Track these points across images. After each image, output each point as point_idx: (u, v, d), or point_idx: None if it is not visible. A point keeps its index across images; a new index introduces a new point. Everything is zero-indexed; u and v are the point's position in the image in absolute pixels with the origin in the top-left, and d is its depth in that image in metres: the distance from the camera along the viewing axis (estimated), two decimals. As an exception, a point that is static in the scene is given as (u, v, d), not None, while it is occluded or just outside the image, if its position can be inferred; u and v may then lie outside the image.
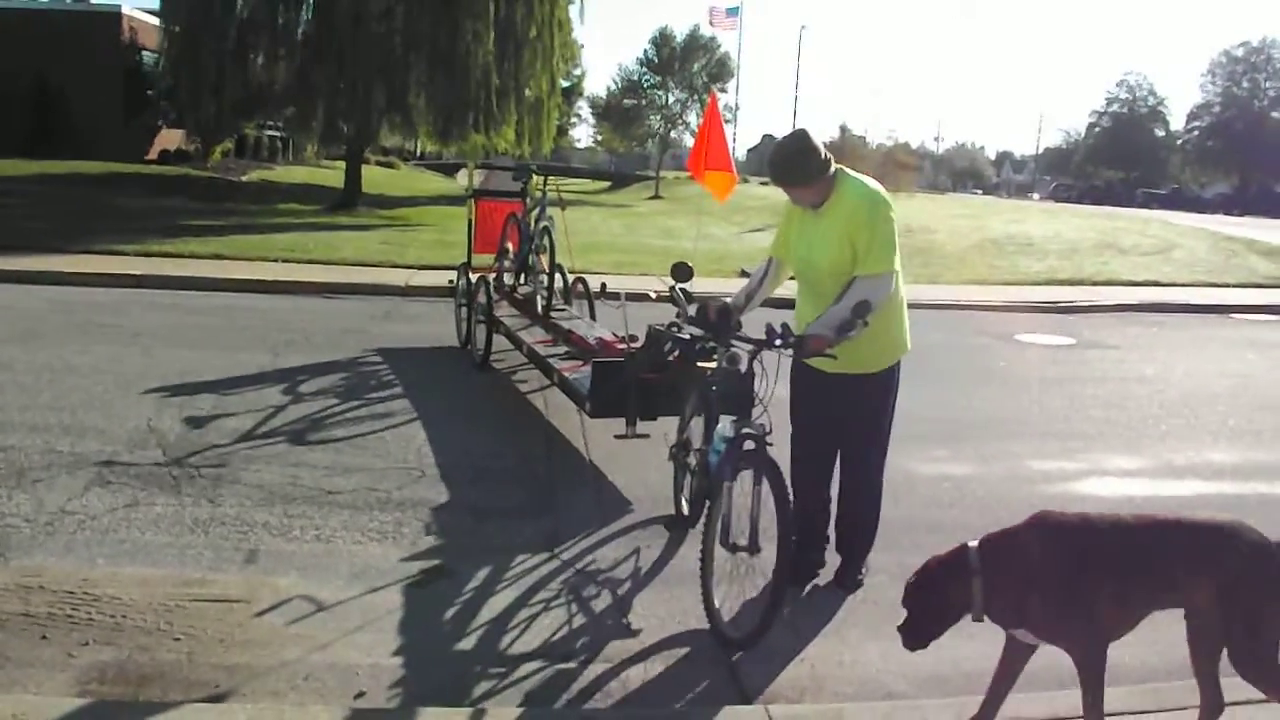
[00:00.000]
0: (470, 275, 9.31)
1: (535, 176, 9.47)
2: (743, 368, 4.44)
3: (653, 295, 6.54)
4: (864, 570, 4.89)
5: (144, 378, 7.71)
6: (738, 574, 4.25)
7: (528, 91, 26.80)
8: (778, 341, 4.25)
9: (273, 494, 5.42)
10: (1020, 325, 13.36)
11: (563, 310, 8.51)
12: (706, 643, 4.15)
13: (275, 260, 14.94)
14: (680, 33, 58.92)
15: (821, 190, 4.46)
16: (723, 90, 59.27)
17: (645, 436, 5.75)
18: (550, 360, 7.10)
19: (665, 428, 5.64)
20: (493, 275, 9.27)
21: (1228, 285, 18.47)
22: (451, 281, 10.11)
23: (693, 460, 5.07)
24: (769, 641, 4.02)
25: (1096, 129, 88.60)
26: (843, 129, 58.96)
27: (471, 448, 6.56)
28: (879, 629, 4.25)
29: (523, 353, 7.97)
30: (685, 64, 57.46)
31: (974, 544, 3.33)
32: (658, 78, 58.64)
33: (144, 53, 32.34)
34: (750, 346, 4.38)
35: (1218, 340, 13.18)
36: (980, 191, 79.61)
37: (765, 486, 4.09)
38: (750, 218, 30.70)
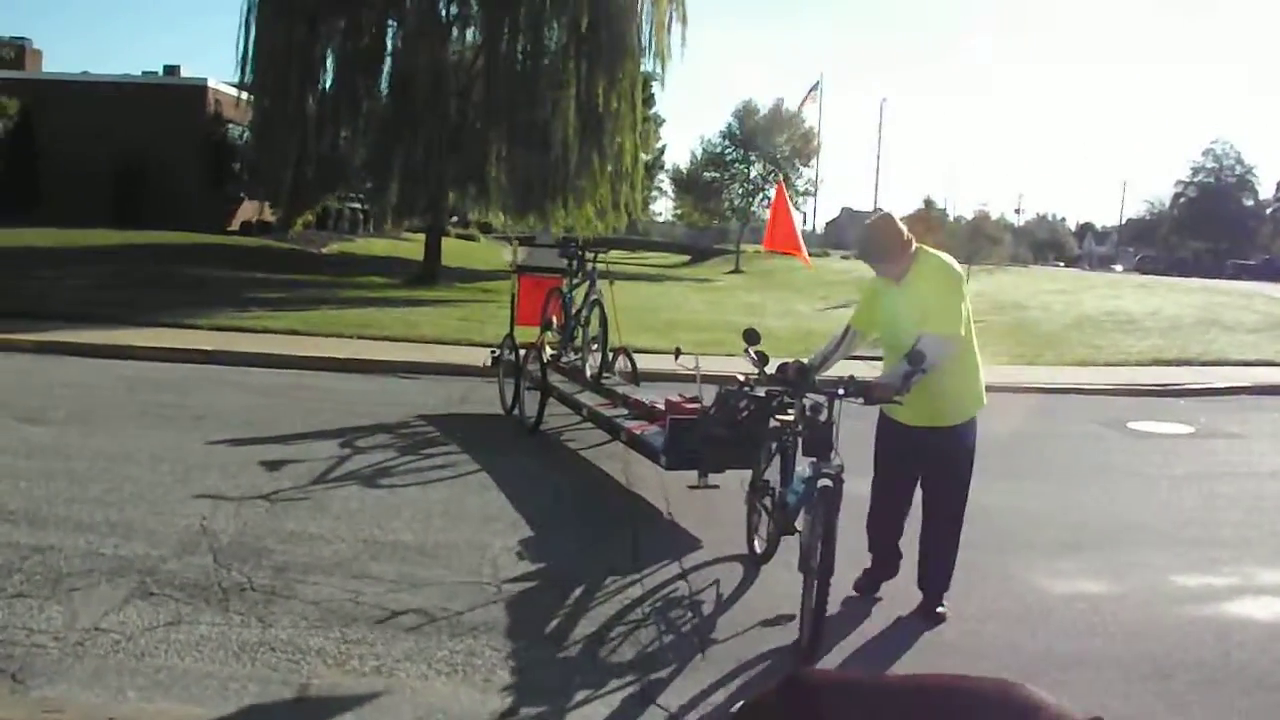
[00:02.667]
0: (516, 345, 9.85)
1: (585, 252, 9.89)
2: (823, 417, 5.01)
3: (740, 378, 6.25)
4: (944, 605, 5.39)
5: (203, 468, 7.25)
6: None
7: (609, 165, 26.62)
8: (842, 390, 5.01)
9: (330, 613, 4.83)
10: (1130, 411, 12.48)
11: (610, 378, 9.18)
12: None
13: (350, 336, 14.61)
14: (763, 105, 58.76)
15: (903, 264, 5.21)
16: (806, 166, 58.94)
17: (715, 487, 6.51)
18: (616, 420, 7.79)
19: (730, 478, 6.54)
20: (538, 346, 9.54)
21: (1347, 365, 17.32)
22: (494, 351, 10.51)
23: (769, 502, 5.80)
24: None
25: (1182, 199, 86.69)
26: (927, 202, 58.13)
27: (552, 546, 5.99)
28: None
29: (582, 415, 8.64)
30: (769, 137, 57.12)
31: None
32: (740, 151, 58.38)
33: (229, 125, 32.89)
34: (824, 397, 5.05)
35: (1351, 428, 12.18)
36: (1062, 264, 77.83)
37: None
38: (832, 293, 30.16)
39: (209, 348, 12.66)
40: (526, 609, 5.15)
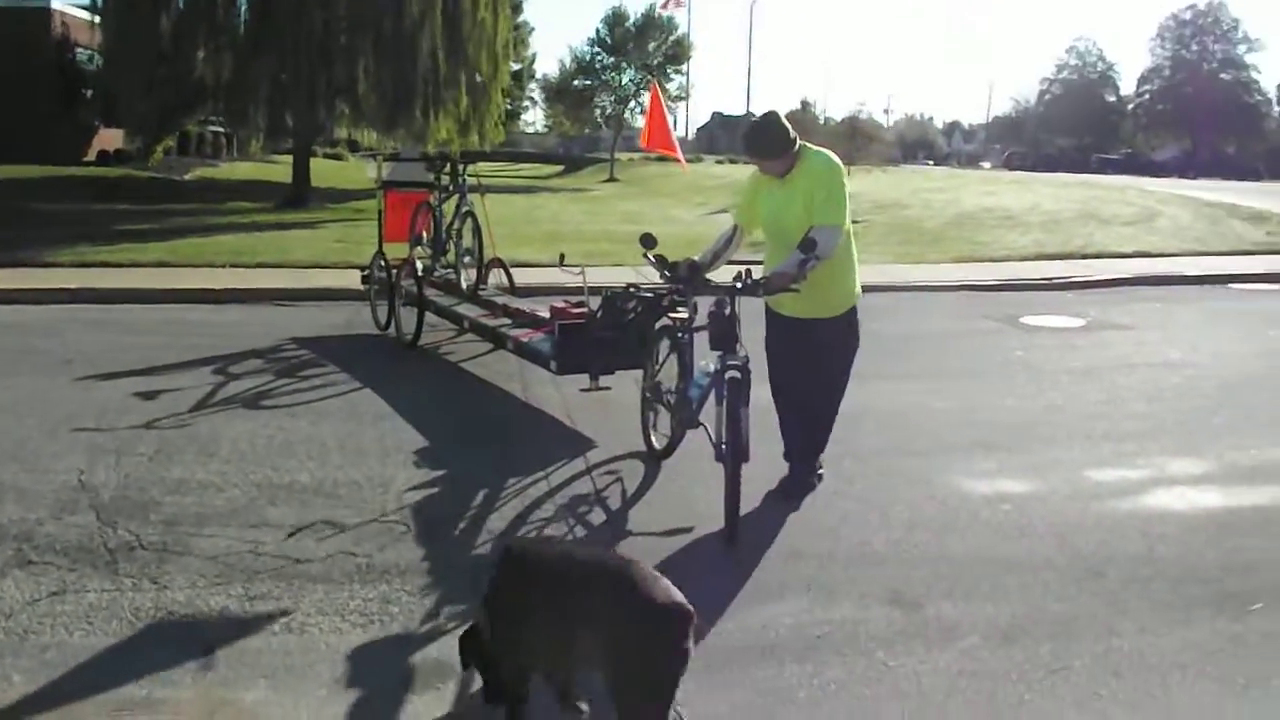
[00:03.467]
0: (387, 262, 9.74)
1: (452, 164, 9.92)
2: (726, 311, 5.24)
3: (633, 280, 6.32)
4: (821, 466, 5.82)
5: (76, 416, 6.68)
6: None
7: (477, 76, 25.75)
8: (740, 284, 5.25)
9: (230, 568, 4.46)
10: (1020, 306, 12.65)
11: (485, 289, 9.31)
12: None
13: (223, 266, 13.84)
14: (634, 12, 57.66)
15: (789, 161, 5.41)
16: (678, 73, 58.22)
17: (608, 389, 6.69)
18: (501, 330, 7.91)
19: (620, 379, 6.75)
20: (410, 261, 9.45)
21: (1219, 254, 17.92)
22: (365, 269, 10.45)
23: (667, 399, 5.95)
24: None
25: (1047, 96, 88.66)
26: (803, 104, 58.15)
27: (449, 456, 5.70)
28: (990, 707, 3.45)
29: (463, 327, 8.83)
30: (640, 44, 56.16)
31: None
32: (611, 58, 57.31)
33: (77, 50, 30.83)
34: (725, 292, 5.28)
35: (1230, 316, 12.53)
36: (932, 162, 79.07)
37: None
38: (710, 198, 29.96)
39: (73, 286, 11.80)
40: (437, 544, 4.87)
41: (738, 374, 5.12)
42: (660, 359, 6.13)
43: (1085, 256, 17.02)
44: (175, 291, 11.90)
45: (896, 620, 4.22)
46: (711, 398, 5.32)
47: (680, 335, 5.88)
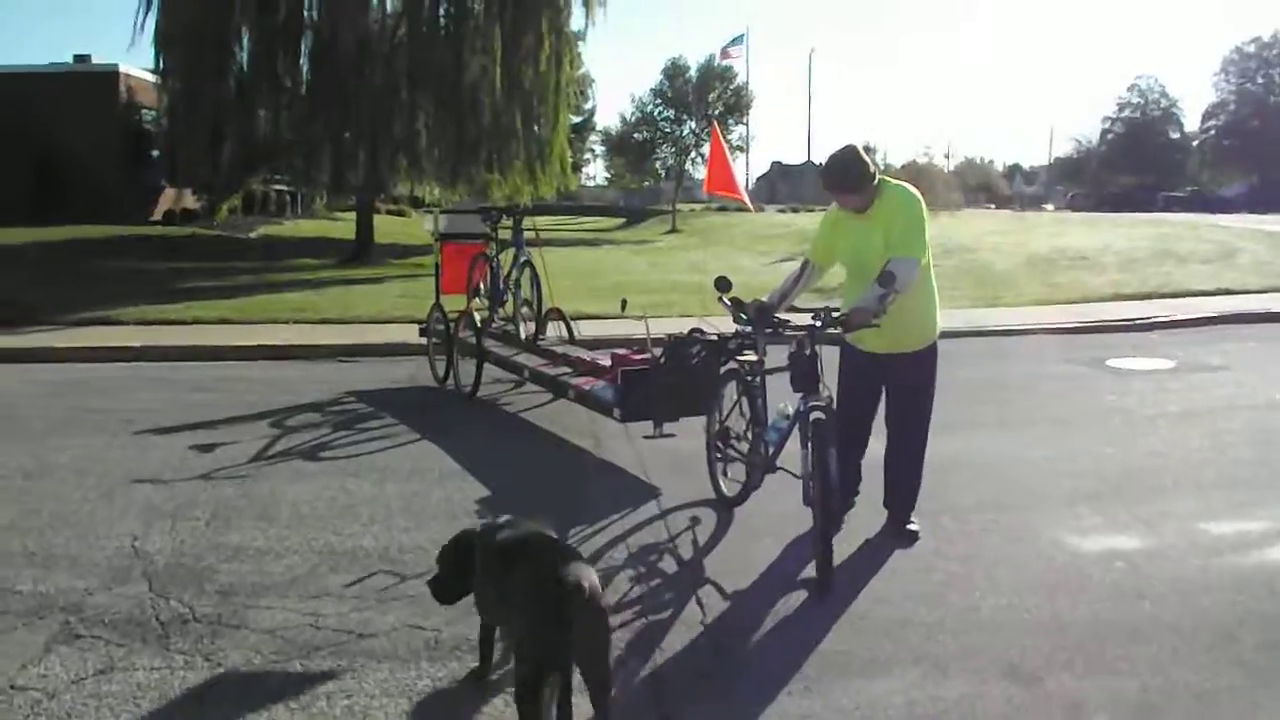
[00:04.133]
0: (445, 314, 9.63)
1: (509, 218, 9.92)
2: (807, 351, 5.10)
3: (703, 328, 6.42)
4: (914, 523, 5.55)
5: (133, 479, 6.45)
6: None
7: (537, 128, 25.74)
8: (820, 322, 5.13)
9: (288, 643, 4.14)
10: (1105, 348, 12.12)
11: (544, 340, 9.17)
12: None
13: (286, 322, 13.79)
14: (694, 63, 57.78)
15: (868, 195, 5.30)
16: (739, 123, 58.16)
17: (672, 435, 6.51)
18: (561, 378, 7.78)
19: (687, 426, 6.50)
20: (468, 313, 9.42)
21: (1306, 290, 17.19)
22: (423, 323, 10.30)
23: (735, 444, 5.83)
24: None
25: (1110, 135, 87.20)
26: (866, 149, 57.80)
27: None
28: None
29: (523, 377, 8.71)
30: (700, 95, 56.23)
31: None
32: (671, 110, 57.45)
33: (144, 111, 31.46)
34: (803, 332, 5.13)
35: (1328, 354, 11.91)
36: (993, 206, 78.08)
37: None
38: (774, 246, 29.67)
39: (137, 344, 11.77)
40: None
41: (822, 414, 5.02)
42: (729, 403, 5.96)
43: (1165, 296, 16.41)
44: (238, 349, 11.80)
45: (1015, 697, 3.81)
46: (795, 442, 5.18)
47: (750, 378, 5.70)
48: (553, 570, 3.23)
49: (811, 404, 5.04)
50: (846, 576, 4.92)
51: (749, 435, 5.72)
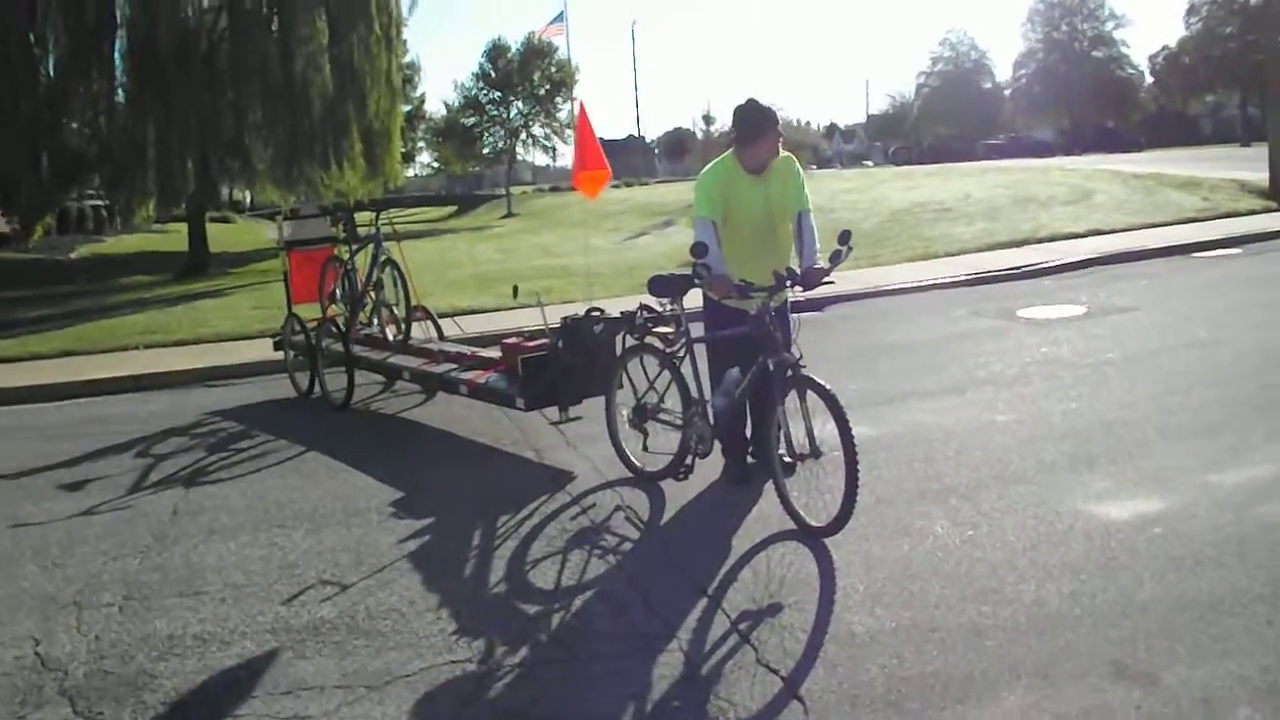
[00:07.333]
0: (302, 324, 9.25)
1: (363, 214, 9.60)
2: (768, 317, 5.10)
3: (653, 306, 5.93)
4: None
5: (8, 560, 5.38)
6: (812, 477, 5.05)
7: (372, 119, 24.51)
8: (789, 282, 5.18)
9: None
10: (1006, 298, 12.02)
11: (412, 340, 8.67)
12: None
13: (136, 348, 12.49)
14: (515, 43, 56.77)
15: (777, 141, 5.54)
16: (572, 99, 57.55)
17: (579, 419, 6.57)
18: (449, 375, 7.46)
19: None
20: (329, 320, 9.10)
21: (1167, 224, 17.67)
22: (276, 336, 9.98)
23: (661, 420, 5.83)
24: None
25: (925, 89, 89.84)
26: (706, 119, 58.10)
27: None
28: None
29: (404, 378, 8.41)
30: (524, 74, 55.27)
31: None
32: (497, 93, 56.30)
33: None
34: (765, 294, 5.13)
35: (1219, 284, 12.06)
36: (815, 166, 79.28)
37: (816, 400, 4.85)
38: (622, 224, 29.28)
39: (-34, 391, 10.39)
40: (516, 681, 3.79)
41: (791, 370, 5.01)
42: (651, 379, 5.94)
43: (1041, 241, 16.55)
44: (90, 383, 10.52)
45: (1144, 703, 3.33)
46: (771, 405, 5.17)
47: (674, 352, 5.72)
48: None
49: (782, 360, 5.02)
50: (880, 580, 4.38)
51: (682, 407, 5.67)
